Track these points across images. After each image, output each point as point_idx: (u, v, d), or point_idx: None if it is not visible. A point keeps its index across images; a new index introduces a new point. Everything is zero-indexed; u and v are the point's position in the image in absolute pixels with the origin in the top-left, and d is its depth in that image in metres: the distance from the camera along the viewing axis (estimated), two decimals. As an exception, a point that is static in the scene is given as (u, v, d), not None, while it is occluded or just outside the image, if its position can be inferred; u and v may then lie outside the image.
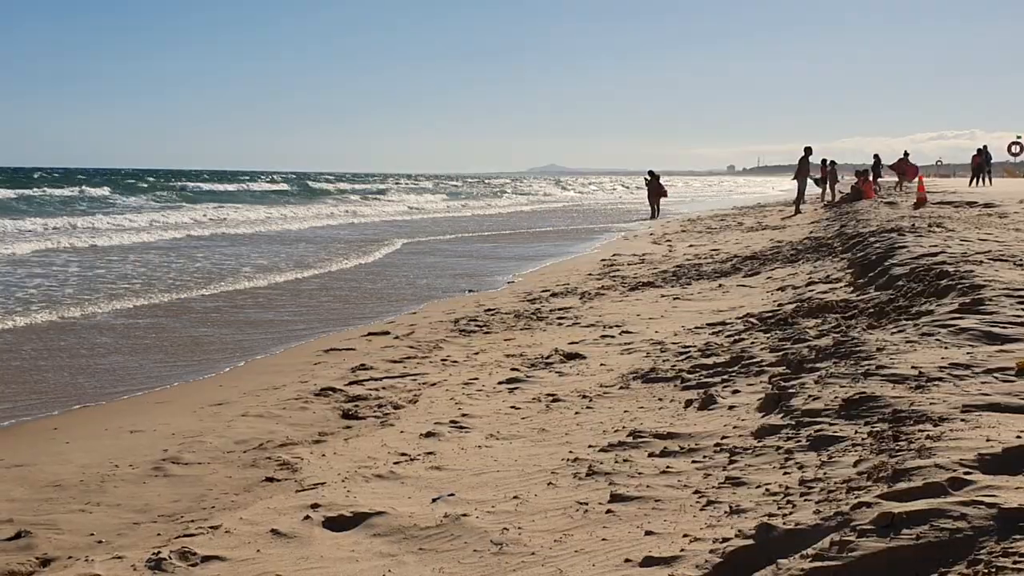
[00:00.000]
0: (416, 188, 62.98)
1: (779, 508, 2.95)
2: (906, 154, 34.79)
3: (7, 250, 17.35)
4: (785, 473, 3.32)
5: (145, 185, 54.47)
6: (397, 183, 77.36)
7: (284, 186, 60.29)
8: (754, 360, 5.62)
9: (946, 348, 4.71)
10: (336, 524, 3.65)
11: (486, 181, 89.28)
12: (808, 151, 27.99)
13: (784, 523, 2.73)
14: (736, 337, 6.69)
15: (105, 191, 44.10)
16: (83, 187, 45.58)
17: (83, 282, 12.94)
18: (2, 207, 32.36)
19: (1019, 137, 50.67)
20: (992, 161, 38.33)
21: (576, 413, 5.15)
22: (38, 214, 28.67)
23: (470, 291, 12.57)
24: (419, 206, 43.38)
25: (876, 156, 35.86)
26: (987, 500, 2.50)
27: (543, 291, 11.66)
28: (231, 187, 55.02)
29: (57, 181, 55.80)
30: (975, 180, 36.22)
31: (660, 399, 5.21)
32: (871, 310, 6.53)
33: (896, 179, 34.43)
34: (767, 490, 3.18)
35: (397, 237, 22.96)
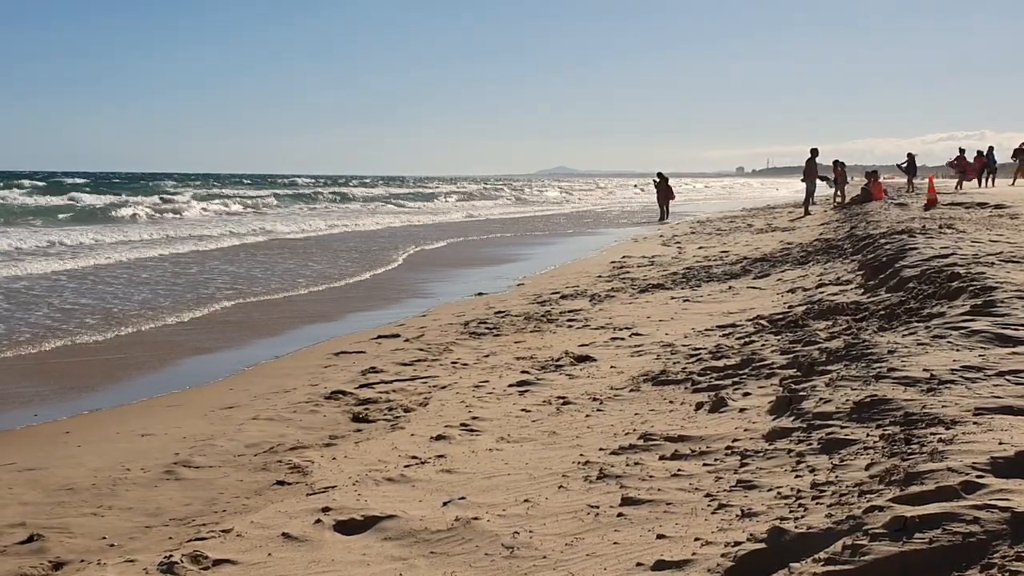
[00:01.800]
0: (464, 193, 62.87)
1: (791, 511, 2.94)
2: (961, 151, 34.80)
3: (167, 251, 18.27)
4: (797, 476, 3.31)
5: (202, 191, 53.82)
6: (434, 186, 76.94)
7: (349, 190, 60.13)
8: (765, 362, 5.61)
9: (958, 350, 4.69)
10: (347, 527, 3.66)
11: (513, 184, 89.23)
12: (815, 152, 28.04)
13: (796, 527, 2.72)
14: (746, 339, 6.68)
15: (181, 197, 42.59)
16: (163, 194, 44.30)
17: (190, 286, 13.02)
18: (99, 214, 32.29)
19: None
20: (997, 164, 38.20)
21: (587, 416, 5.14)
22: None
23: (479, 293, 12.57)
24: (474, 211, 43.51)
25: (910, 155, 35.89)
26: (1000, 504, 2.48)
27: (552, 293, 11.66)
28: (287, 192, 54.65)
29: (134, 187, 54.27)
30: (981, 181, 36.18)
31: (671, 401, 5.21)
32: (882, 312, 6.50)
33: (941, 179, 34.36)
34: (779, 493, 3.17)
35: (438, 241, 23.13)
